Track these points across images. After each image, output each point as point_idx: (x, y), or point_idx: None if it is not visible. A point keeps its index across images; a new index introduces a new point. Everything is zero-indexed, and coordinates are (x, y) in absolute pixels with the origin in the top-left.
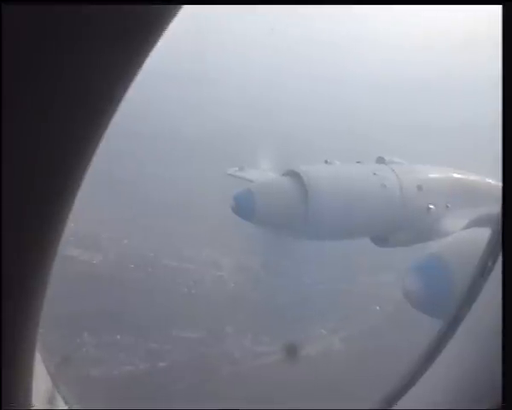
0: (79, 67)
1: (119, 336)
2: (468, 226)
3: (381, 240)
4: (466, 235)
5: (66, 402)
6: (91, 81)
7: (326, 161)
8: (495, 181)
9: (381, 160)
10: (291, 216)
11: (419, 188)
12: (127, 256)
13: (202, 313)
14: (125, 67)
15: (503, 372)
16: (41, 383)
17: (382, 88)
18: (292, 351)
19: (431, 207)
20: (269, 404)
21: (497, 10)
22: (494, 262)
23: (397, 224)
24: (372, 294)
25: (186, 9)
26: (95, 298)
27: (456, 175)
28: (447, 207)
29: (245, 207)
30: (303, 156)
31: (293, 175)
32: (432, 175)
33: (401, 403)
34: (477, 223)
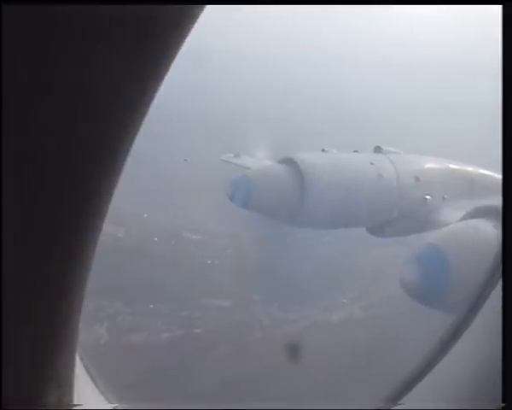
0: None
1: (152, 306)
2: (465, 217)
3: (378, 230)
4: (463, 226)
5: (106, 399)
6: (113, 84)
7: (323, 150)
8: (492, 171)
9: (378, 149)
10: (287, 204)
11: (416, 178)
12: (149, 230)
13: (228, 283)
14: (148, 70)
15: (503, 373)
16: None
17: (383, 75)
18: (294, 351)
19: (428, 197)
20: (299, 367)
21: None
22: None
23: (393, 214)
24: (385, 265)
25: None
26: (123, 270)
27: (453, 166)
28: (444, 198)
29: (241, 194)
30: (300, 144)
31: (290, 163)
32: (429, 166)
33: (403, 402)
34: (474, 214)
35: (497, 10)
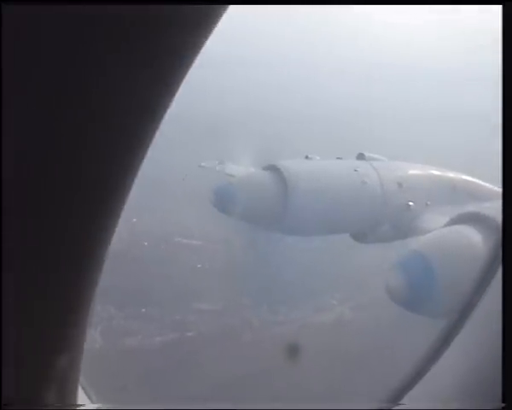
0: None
1: (144, 310)
2: (448, 224)
3: (361, 236)
4: (447, 232)
5: (89, 398)
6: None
7: (307, 157)
8: (479, 176)
9: (361, 156)
10: (271, 211)
11: (399, 185)
12: (139, 234)
13: (218, 287)
14: (168, 72)
15: (503, 373)
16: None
17: (373, 80)
18: (293, 351)
19: (411, 204)
20: (291, 369)
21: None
22: (498, 263)
23: (377, 220)
24: (373, 266)
25: None
26: (114, 274)
27: (435, 172)
28: (427, 204)
29: (225, 201)
30: (283, 151)
31: (274, 170)
32: (412, 172)
33: (402, 402)
34: (457, 220)
35: (497, 10)
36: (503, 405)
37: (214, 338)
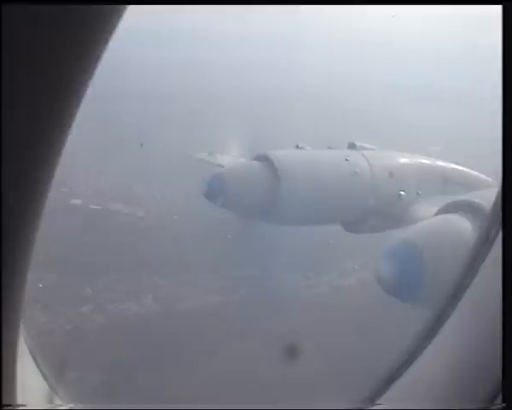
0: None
1: (186, 278)
2: (438, 213)
3: (352, 226)
4: (437, 221)
5: (64, 401)
6: (52, 76)
7: (297, 146)
8: (465, 166)
9: (352, 145)
10: (262, 201)
11: (390, 174)
12: (167, 208)
13: (251, 256)
14: (81, 64)
15: (503, 372)
16: (38, 383)
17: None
18: (291, 351)
19: (402, 193)
20: (326, 320)
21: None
22: (486, 253)
23: (368, 210)
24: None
25: None
26: (153, 247)
27: (426, 162)
28: (418, 193)
29: (216, 192)
30: (273, 140)
31: (265, 160)
32: (403, 162)
33: (399, 401)
34: (447, 210)
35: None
36: (503, 405)
37: (258, 300)
